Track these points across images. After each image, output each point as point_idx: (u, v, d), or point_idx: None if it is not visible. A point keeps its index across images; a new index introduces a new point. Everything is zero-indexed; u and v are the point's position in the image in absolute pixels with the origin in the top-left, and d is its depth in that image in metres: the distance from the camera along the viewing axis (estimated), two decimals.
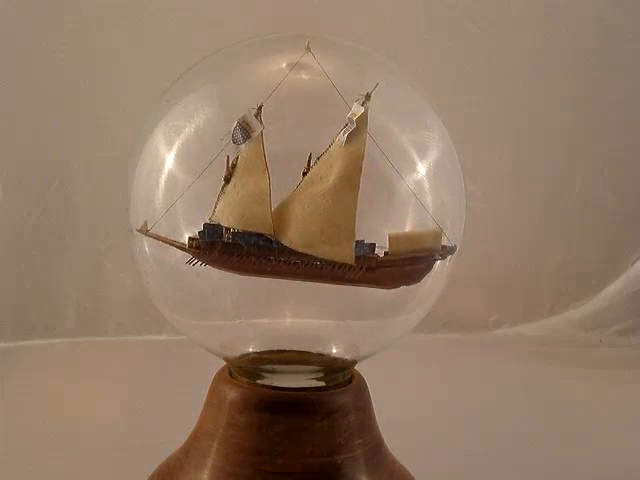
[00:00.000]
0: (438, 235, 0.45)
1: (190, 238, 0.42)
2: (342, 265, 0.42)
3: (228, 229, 0.42)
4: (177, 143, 0.45)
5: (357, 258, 0.42)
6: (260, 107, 0.42)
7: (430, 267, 0.45)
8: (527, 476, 0.61)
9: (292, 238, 0.42)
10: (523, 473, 0.62)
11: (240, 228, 0.42)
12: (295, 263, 0.42)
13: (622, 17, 1.10)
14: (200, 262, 0.43)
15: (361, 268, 0.42)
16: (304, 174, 0.42)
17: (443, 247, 0.45)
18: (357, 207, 0.41)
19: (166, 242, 0.43)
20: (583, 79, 1.11)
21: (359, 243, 0.42)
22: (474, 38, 1.07)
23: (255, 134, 0.42)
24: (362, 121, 0.42)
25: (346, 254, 0.41)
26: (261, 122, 0.42)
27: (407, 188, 0.44)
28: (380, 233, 0.43)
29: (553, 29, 1.10)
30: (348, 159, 0.42)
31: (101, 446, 0.64)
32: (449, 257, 0.46)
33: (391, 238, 0.43)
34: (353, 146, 0.42)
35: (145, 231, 0.44)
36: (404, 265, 0.43)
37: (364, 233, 0.43)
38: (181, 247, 0.43)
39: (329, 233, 0.41)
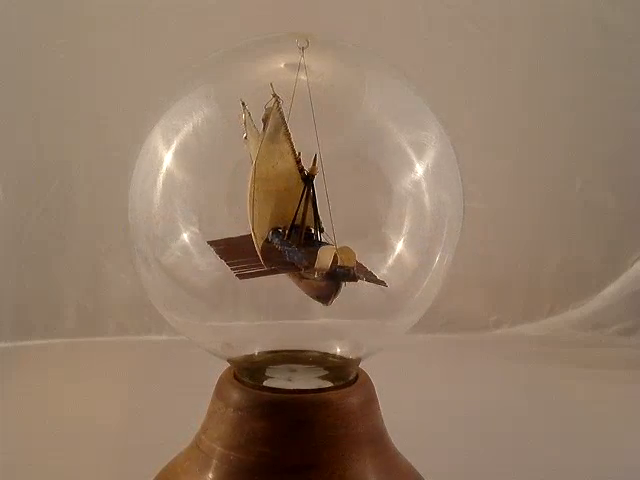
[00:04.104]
0: (337, 254, 0.42)
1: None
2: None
3: None
4: (176, 142, 0.45)
5: (289, 264, 0.43)
6: (243, 103, 0.43)
7: (329, 288, 0.43)
8: (527, 476, 0.61)
9: None
10: (523, 473, 0.62)
11: None
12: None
13: (622, 17, 1.10)
14: None
15: (301, 277, 0.43)
16: (308, 175, 0.43)
17: (339, 269, 0.42)
18: (250, 208, 0.42)
19: None
20: (583, 79, 1.11)
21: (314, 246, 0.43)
22: (474, 38, 1.07)
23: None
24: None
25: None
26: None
27: (403, 190, 0.44)
28: (377, 236, 0.44)
29: (553, 29, 1.10)
30: None
31: (101, 446, 0.64)
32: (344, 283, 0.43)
33: (319, 251, 0.43)
34: None
35: None
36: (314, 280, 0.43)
37: (361, 234, 0.44)
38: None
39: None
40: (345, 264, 0.41)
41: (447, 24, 1.06)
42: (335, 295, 0.43)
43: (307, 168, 0.43)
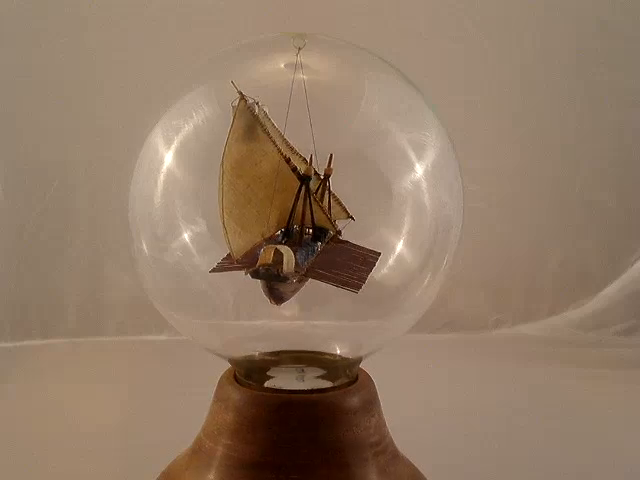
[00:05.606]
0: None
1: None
2: None
3: None
4: (176, 142, 0.45)
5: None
6: (257, 103, 0.43)
7: (267, 289, 0.43)
8: (527, 476, 0.61)
9: None
10: (523, 473, 0.62)
11: None
12: None
13: (622, 17, 1.10)
14: None
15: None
16: (302, 175, 0.43)
17: (261, 267, 0.42)
18: (220, 204, 0.42)
19: None
20: (583, 79, 1.11)
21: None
22: (474, 38, 1.07)
23: None
24: None
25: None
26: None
27: (403, 190, 0.44)
28: (376, 234, 0.44)
29: (553, 29, 1.10)
30: None
31: (101, 446, 0.64)
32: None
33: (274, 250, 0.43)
34: None
35: None
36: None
37: (361, 234, 0.44)
38: None
39: None
40: (262, 262, 0.41)
41: (447, 24, 1.06)
42: (269, 295, 0.42)
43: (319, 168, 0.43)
